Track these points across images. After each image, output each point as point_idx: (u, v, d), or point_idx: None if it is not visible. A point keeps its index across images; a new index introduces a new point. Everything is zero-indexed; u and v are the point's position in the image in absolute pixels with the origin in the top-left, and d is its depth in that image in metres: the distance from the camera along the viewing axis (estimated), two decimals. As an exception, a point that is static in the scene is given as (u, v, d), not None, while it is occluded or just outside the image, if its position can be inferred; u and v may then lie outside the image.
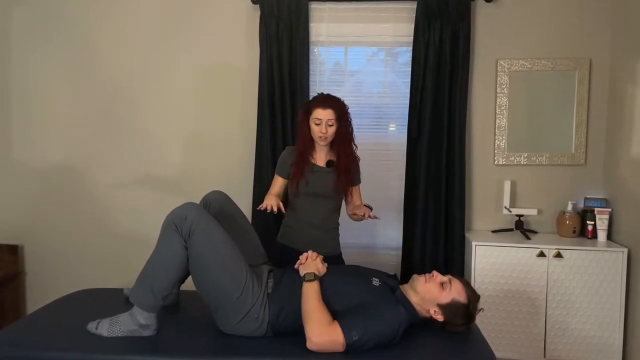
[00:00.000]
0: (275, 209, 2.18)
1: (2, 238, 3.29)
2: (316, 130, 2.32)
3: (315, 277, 1.87)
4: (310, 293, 1.81)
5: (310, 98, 2.43)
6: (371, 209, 2.36)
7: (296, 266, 1.97)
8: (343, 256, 2.53)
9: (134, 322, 1.82)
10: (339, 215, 2.49)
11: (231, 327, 1.85)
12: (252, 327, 1.83)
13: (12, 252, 3.22)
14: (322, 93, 2.38)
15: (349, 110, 2.37)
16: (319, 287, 1.84)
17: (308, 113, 2.34)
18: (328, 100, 2.31)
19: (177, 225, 1.80)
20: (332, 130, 2.31)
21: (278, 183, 2.44)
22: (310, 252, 2.01)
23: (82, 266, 3.27)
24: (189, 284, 3.26)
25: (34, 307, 3.26)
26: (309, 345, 1.70)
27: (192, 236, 1.79)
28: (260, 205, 2.20)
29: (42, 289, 3.29)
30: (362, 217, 2.31)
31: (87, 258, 3.27)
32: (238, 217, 2.16)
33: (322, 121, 2.29)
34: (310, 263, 1.95)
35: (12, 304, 3.19)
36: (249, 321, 1.82)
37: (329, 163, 2.39)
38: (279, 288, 1.90)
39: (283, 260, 2.34)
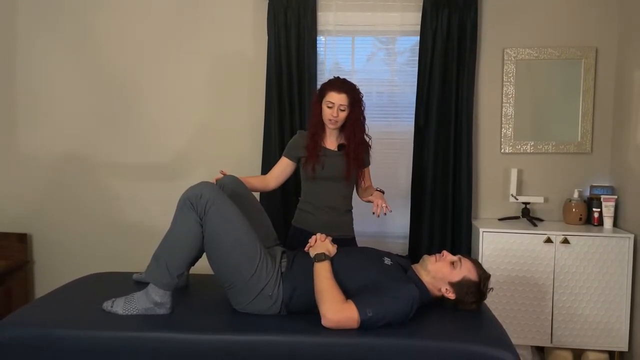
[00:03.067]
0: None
1: (10, 227, 3.30)
2: (327, 113, 2.33)
3: (325, 257, 1.88)
4: (322, 272, 1.83)
5: (323, 82, 2.44)
6: (383, 192, 2.39)
7: (306, 249, 1.99)
8: (353, 242, 2.55)
9: (149, 300, 1.84)
10: (352, 197, 2.52)
11: (245, 306, 1.86)
12: (266, 305, 1.85)
13: (21, 240, 3.23)
14: (338, 77, 2.39)
15: (362, 97, 2.39)
16: (330, 267, 1.86)
17: (322, 95, 2.35)
18: (343, 85, 2.33)
19: (193, 202, 1.82)
20: (343, 115, 2.33)
21: (282, 164, 2.48)
22: (319, 234, 2.03)
23: (89, 255, 3.29)
24: (199, 269, 3.29)
25: (42, 295, 3.27)
26: (324, 322, 1.72)
27: (208, 213, 1.81)
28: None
29: (49, 278, 3.30)
30: (375, 208, 2.28)
31: (94, 247, 3.29)
32: (251, 201, 2.18)
33: (334, 105, 2.31)
34: (320, 244, 1.96)
35: (20, 292, 3.21)
36: (262, 299, 1.84)
37: (340, 147, 2.41)
38: (292, 268, 1.92)
39: (298, 243, 2.36)
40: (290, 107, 3.05)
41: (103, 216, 3.27)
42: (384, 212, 2.24)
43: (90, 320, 1.80)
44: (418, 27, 3.00)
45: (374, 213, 2.24)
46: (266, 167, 3.06)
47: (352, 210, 2.53)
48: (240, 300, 1.87)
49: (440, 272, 1.89)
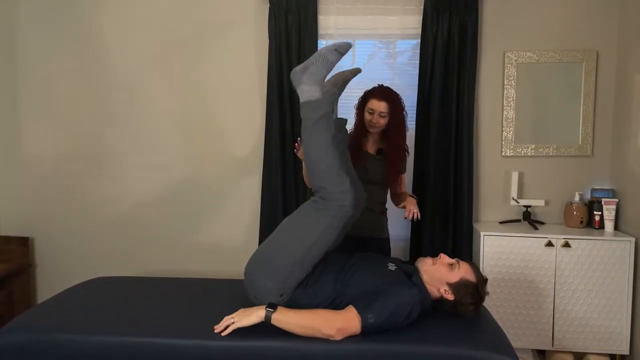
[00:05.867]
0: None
1: (12, 230, 3.31)
2: (367, 119, 2.45)
3: (270, 308, 1.74)
4: (286, 318, 1.73)
5: (366, 90, 2.54)
6: (416, 198, 2.49)
7: (225, 333, 1.75)
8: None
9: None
10: (386, 199, 2.63)
11: (257, 287, 1.85)
12: (272, 297, 1.84)
13: (23, 244, 3.24)
14: (381, 85, 2.50)
15: (404, 106, 2.50)
16: (283, 309, 1.76)
17: (364, 102, 2.47)
18: (385, 94, 2.44)
19: (333, 187, 1.82)
20: (383, 121, 2.45)
21: None
22: (226, 319, 1.78)
23: (92, 259, 3.30)
24: (208, 273, 3.29)
25: (44, 299, 3.29)
26: (333, 339, 1.71)
27: (325, 204, 1.83)
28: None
29: (52, 281, 3.31)
30: (407, 213, 2.37)
31: (97, 250, 3.29)
32: None
33: (374, 111, 2.43)
34: (244, 316, 1.75)
35: (22, 295, 3.22)
36: (273, 294, 1.83)
37: (379, 151, 2.53)
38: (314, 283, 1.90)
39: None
40: (291, 111, 3.05)
41: (106, 219, 3.28)
42: (415, 218, 2.35)
43: (95, 325, 1.81)
44: (419, 31, 3.01)
45: (405, 218, 2.36)
46: (267, 170, 3.06)
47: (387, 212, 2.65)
48: (256, 274, 1.85)
49: (437, 272, 1.90)
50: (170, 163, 3.23)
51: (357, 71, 2.26)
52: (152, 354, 1.72)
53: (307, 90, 1.89)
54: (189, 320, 1.87)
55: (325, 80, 1.96)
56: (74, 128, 3.25)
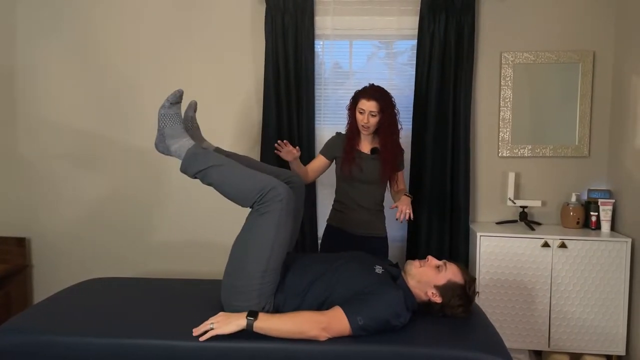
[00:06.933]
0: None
1: (9, 231, 3.31)
2: (359, 119, 2.47)
3: (250, 317, 1.71)
4: (268, 324, 1.70)
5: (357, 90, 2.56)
6: (411, 197, 2.49)
7: (202, 339, 1.72)
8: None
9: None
10: (384, 198, 2.63)
11: (235, 307, 1.83)
12: (255, 308, 1.82)
13: (19, 244, 3.24)
14: (372, 85, 2.51)
15: (396, 104, 2.51)
16: (264, 315, 1.73)
17: (355, 102, 2.50)
18: (374, 93, 2.45)
19: (263, 191, 1.82)
20: (374, 120, 2.46)
21: (318, 160, 2.59)
22: (205, 324, 1.75)
23: (88, 259, 3.30)
24: (203, 274, 3.29)
25: (41, 299, 3.28)
26: (321, 340, 1.71)
27: (265, 207, 1.82)
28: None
29: (48, 282, 3.31)
30: (398, 214, 2.37)
31: (93, 251, 3.29)
32: (300, 210, 2.20)
33: (365, 111, 2.45)
34: (223, 323, 1.72)
35: (19, 296, 3.22)
36: (253, 306, 1.82)
37: (373, 150, 2.54)
38: (284, 279, 1.91)
39: (334, 243, 2.55)
40: (288, 112, 3.05)
41: (103, 220, 3.28)
42: (406, 219, 2.35)
43: (90, 326, 1.80)
44: (415, 31, 3.01)
45: (397, 219, 2.34)
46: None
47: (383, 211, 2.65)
48: (232, 302, 1.84)
49: (425, 275, 1.89)
50: (167, 163, 3.23)
51: (193, 104, 2.17)
52: (149, 355, 1.71)
53: (178, 148, 1.95)
54: (185, 321, 1.85)
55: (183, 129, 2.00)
56: (70, 129, 3.24)
